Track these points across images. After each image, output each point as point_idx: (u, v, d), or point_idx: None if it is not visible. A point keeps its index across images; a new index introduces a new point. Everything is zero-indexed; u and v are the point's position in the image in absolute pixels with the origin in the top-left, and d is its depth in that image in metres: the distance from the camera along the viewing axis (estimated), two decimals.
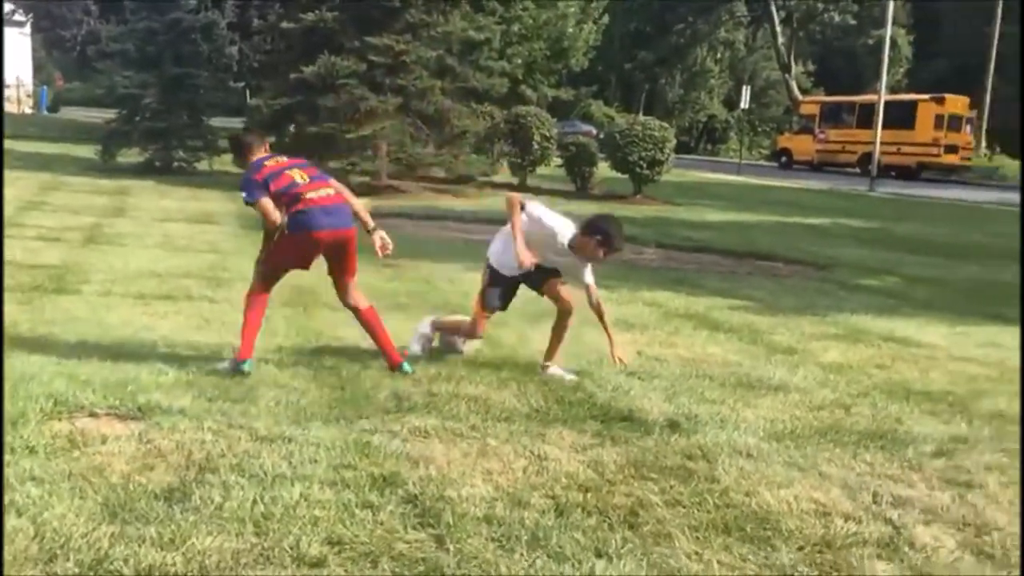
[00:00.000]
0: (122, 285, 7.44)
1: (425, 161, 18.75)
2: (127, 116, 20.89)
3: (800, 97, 47.24)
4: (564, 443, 4.11)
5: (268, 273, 5.10)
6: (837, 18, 54.31)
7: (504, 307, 5.46)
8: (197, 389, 4.55)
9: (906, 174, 33.15)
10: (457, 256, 10.54)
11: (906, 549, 3.21)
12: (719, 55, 58.66)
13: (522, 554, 3.01)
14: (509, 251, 5.15)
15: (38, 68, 49.19)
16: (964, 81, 38.96)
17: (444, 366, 5.28)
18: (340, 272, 5.11)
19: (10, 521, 2.98)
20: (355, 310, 5.20)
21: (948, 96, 34.37)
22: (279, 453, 3.73)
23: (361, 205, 5.12)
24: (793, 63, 52.80)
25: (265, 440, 3.88)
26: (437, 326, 5.68)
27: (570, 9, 34.73)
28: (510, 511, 3.32)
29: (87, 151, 21.42)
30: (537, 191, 20.67)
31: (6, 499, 3.13)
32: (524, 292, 5.51)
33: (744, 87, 36.46)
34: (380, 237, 5.05)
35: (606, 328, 5.29)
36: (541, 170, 21.96)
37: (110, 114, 22.01)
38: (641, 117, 26.53)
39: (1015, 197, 26.15)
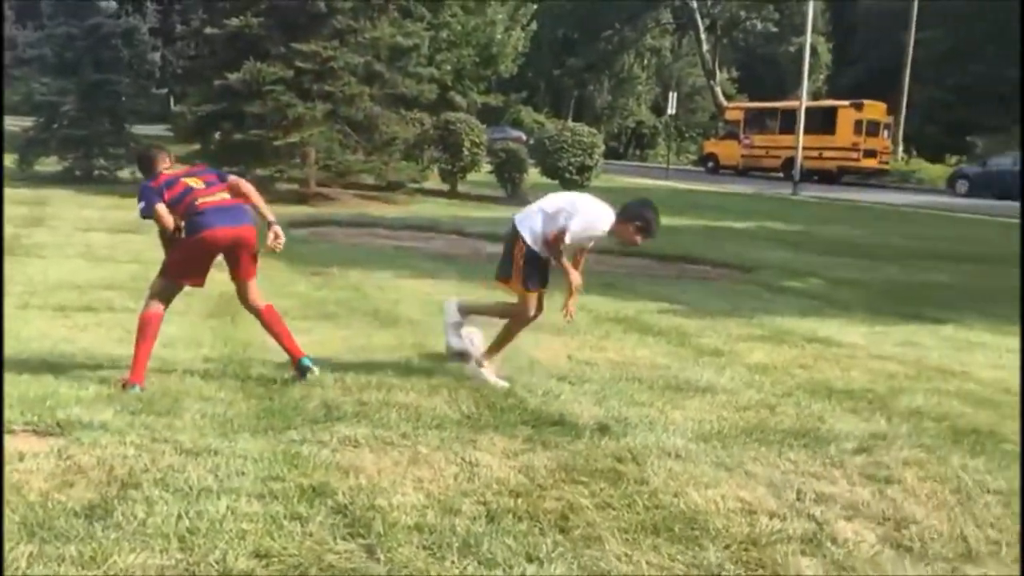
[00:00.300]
0: (41, 297, 7.24)
1: (354, 168, 18.60)
2: (45, 123, 20.29)
3: (725, 103, 48.11)
4: (495, 449, 4.12)
5: (167, 285, 5.02)
6: (759, 26, 55.54)
7: (546, 283, 5.38)
8: (119, 403, 4.45)
9: (827, 178, 34.01)
10: (387, 263, 10.51)
11: (828, 544, 3.28)
12: (646, 62, 59.42)
13: (453, 561, 3.01)
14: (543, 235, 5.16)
15: None
16: (881, 87, 40.10)
17: (375, 374, 5.24)
18: (240, 274, 5.06)
19: None
20: (257, 312, 5.16)
21: (867, 102, 35.37)
22: (205, 466, 3.67)
23: (262, 201, 5.10)
24: (718, 70, 53.80)
25: (190, 453, 3.81)
26: (467, 310, 5.56)
27: (498, 16, 34.89)
28: (441, 519, 3.32)
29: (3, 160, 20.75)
30: (467, 197, 20.73)
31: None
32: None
33: (671, 93, 37.11)
34: (276, 232, 5.03)
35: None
36: (471, 176, 21.97)
37: (27, 122, 21.37)
38: (570, 123, 26.82)
39: (931, 199, 27.03)
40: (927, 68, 43.15)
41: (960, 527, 3.48)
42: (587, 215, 5.18)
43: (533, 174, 21.11)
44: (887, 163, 36.78)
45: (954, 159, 39.74)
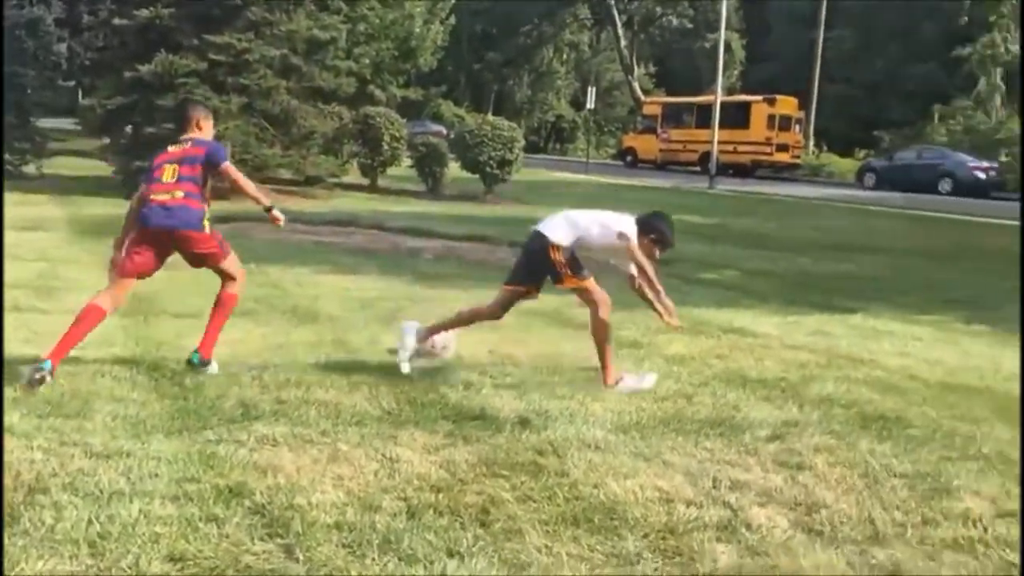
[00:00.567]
0: None
1: (272, 162, 18.30)
2: None
3: (643, 98, 48.72)
4: (416, 444, 4.11)
5: (121, 272, 5.02)
6: (675, 22, 56.34)
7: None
8: (26, 406, 4.31)
9: (742, 172, 34.72)
10: (306, 259, 10.38)
11: (743, 531, 3.36)
12: (565, 56, 59.83)
13: (373, 559, 2.99)
14: (574, 240, 5.23)
15: None
16: (792, 83, 41.11)
17: (294, 372, 5.18)
18: (199, 265, 5.19)
19: None
20: (220, 292, 5.22)
21: (779, 97, 36.24)
22: (116, 469, 3.58)
23: (253, 187, 5.27)
24: (635, 65, 54.45)
25: (101, 456, 3.70)
26: (434, 330, 5.47)
27: (416, 9, 34.65)
28: (361, 516, 3.29)
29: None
30: (387, 192, 20.59)
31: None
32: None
33: (590, 88, 37.36)
34: (274, 216, 5.27)
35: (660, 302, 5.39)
36: (391, 171, 21.83)
37: None
38: (490, 117, 26.80)
39: (841, 193, 27.80)
40: (836, 65, 44.43)
41: (868, 510, 3.60)
42: (596, 233, 5.27)
43: (454, 168, 21.06)
44: (799, 157, 37.74)
45: (862, 153, 41.03)
